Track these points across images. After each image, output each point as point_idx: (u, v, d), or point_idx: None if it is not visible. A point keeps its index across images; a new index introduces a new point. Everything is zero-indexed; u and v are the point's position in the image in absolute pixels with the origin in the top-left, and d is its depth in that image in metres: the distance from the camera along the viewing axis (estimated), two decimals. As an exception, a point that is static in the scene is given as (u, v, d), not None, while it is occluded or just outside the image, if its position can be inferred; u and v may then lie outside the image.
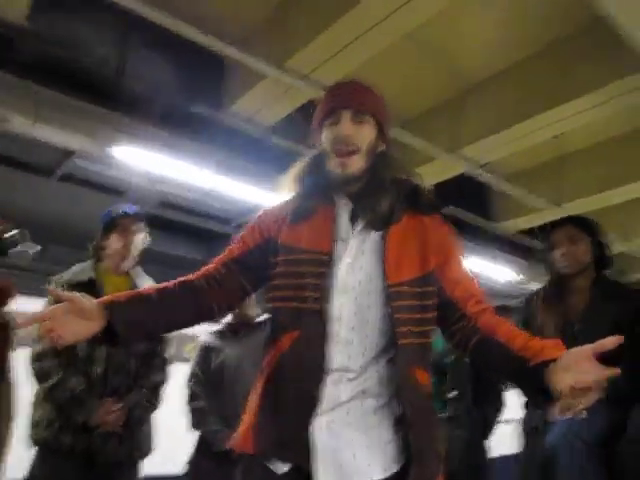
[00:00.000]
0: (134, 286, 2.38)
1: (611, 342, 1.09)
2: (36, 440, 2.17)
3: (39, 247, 1.86)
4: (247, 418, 1.29)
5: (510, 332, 1.24)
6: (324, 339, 1.22)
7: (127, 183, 4.54)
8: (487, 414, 2.54)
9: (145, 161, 3.96)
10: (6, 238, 1.78)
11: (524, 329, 2.19)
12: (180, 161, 3.92)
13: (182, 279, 1.35)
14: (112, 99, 3.75)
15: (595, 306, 2.05)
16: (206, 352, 2.74)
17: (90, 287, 2.27)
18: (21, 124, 3.37)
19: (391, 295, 1.22)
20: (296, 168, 1.40)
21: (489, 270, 6.08)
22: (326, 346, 1.22)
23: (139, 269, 2.49)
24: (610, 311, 1.99)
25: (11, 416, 1.99)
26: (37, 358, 2.20)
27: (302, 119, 4.40)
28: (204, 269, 1.38)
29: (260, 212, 1.43)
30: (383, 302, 1.23)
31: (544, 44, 3.82)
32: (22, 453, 2.12)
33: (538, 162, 5.31)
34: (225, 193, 4.25)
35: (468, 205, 5.73)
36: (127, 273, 2.43)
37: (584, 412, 1.79)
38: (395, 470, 1.19)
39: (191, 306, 1.33)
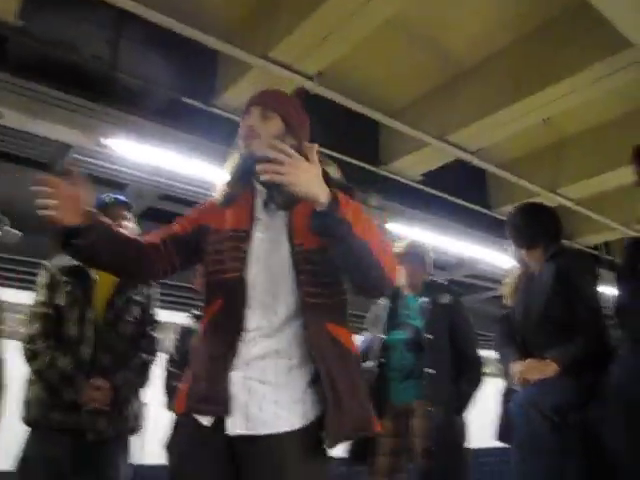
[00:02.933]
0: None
1: None
2: (28, 420, 2.26)
3: (21, 233, 1.94)
4: (182, 384, 1.47)
5: None
6: (242, 303, 1.39)
7: (126, 177, 4.64)
8: (461, 389, 2.58)
9: (141, 154, 4.05)
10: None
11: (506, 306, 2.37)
12: (174, 152, 4.01)
13: (138, 238, 1.55)
14: (106, 94, 3.84)
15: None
16: (183, 334, 2.86)
17: (80, 272, 2.38)
18: (16, 119, 3.49)
19: (297, 260, 1.40)
20: (227, 164, 1.60)
21: (489, 257, 6.12)
22: (243, 309, 1.39)
23: None
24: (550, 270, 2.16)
25: (2, 391, 2.08)
26: (29, 340, 2.30)
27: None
28: (150, 236, 1.56)
29: (202, 204, 1.64)
30: (291, 266, 1.41)
31: (530, 27, 3.86)
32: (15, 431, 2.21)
33: (533, 148, 5.33)
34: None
35: (465, 192, 5.76)
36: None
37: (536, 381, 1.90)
38: (300, 425, 1.31)
39: (132, 258, 1.50)
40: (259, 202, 1.51)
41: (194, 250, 1.54)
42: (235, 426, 1.30)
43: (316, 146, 1.25)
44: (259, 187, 1.52)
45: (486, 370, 2.75)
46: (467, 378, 2.61)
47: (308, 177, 1.20)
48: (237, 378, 1.34)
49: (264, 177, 1.19)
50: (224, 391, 1.33)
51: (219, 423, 1.32)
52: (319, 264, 1.40)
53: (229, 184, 1.55)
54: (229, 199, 1.53)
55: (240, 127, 1.55)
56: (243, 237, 1.45)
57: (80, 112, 3.70)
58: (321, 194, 1.21)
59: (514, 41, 4.00)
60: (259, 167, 1.18)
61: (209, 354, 1.40)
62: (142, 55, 3.95)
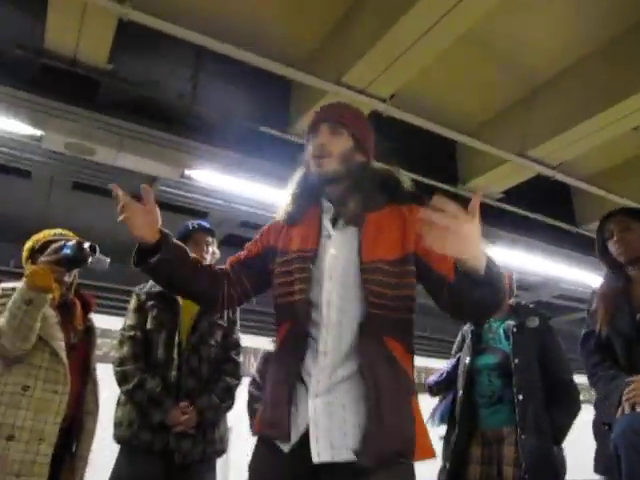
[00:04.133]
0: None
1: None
2: (118, 438, 2.36)
3: (109, 259, 2.04)
4: (261, 408, 1.46)
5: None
6: (306, 326, 1.37)
7: (207, 205, 4.82)
8: (556, 418, 2.40)
9: (221, 183, 4.21)
10: (86, 247, 1.98)
11: (591, 323, 2.16)
12: (252, 180, 4.13)
13: (210, 265, 1.59)
14: (188, 127, 4.04)
15: None
16: (266, 359, 2.87)
17: (167, 297, 2.47)
18: (107, 155, 3.73)
19: (364, 270, 1.36)
20: (289, 184, 1.58)
21: (577, 275, 5.81)
22: (317, 330, 1.36)
23: None
24: None
25: (96, 410, 2.18)
26: (119, 363, 2.41)
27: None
28: (223, 266, 1.58)
29: (266, 225, 1.62)
30: (358, 279, 1.37)
31: (610, 36, 3.67)
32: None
33: (621, 159, 5.04)
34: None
35: (550, 208, 5.52)
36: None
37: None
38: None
39: (207, 283, 1.51)
40: (326, 219, 1.48)
41: (263, 273, 1.53)
42: (319, 454, 1.26)
43: (480, 195, 1.13)
44: (326, 204, 1.50)
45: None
46: (565, 405, 2.44)
47: (474, 244, 1.10)
48: (320, 404, 1.30)
49: (434, 246, 1.07)
50: (284, 416, 1.31)
51: (301, 449, 1.29)
52: (389, 276, 1.36)
53: (293, 202, 1.53)
54: (294, 217, 1.51)
55: (309, 145, 1.52)
56: (310, 257, 1.41)
57: (165, 146, 3.90)
58: (481, 260, 1.14)
59: (593, 51, 3.83)
60: (425, 229, 1.05)
61: (275, 379, 1.41)
62: (220, 88, 4.12)
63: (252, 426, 2.65)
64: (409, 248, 1.38)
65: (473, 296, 1.20)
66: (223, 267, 1.56)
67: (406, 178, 1.50)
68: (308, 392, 1.32)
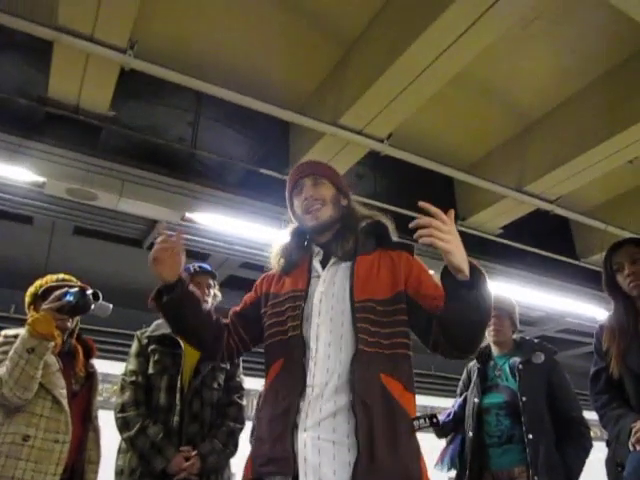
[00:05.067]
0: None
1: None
2: (120, 488, 2.30)
3: (111, 305, 2.04)
4: (253, 445, 1.45)
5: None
6: (301, 360, 1.39)
7: (208, 247, 4.83)
8: (568, 457, 2.35)
9: (222, 225, 4.22)
10: (89, 294, 1.98)
11: (599, 360, 2.12)
12: (252, 222, 4.15)
13: (218, 317, 1.61)
14: (189, 171, 4.09)
15: None
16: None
17: (168, 340, 2.45)
18: (109, 200, 3.76)
19: (357, 309, 1.40)
20: (282, 240, 1.66)
21: (580, 309, 5.77)
22: (306, 364, 1.38)
23: None
24: None
25: (97, 460, 2.14)
26: (121, 409, 2.36)
27: (365, 173, 4.56)
28: (226, 320, 1.63)
29: (260, 277, 1.68)
30: (350, 316, 1.40)
31: (604, 71, 3.76)
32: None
33: (619, 191, 5.09)
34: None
35: (550, 243, 5.54)
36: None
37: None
38: None
39: (213, 334, 1.57)
40: (316, 261, 1.55)
41: (258, 321, 1.57)
42: None
43: (453, 212, 1.28)
44: (316, 249, 1.57)
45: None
46: (576, 443, 2.38)
47: (460, 247, 1.23)
48: (309, 439, 1.29)
49: (424, 240, 1.20)
50: (287, 450, 1.28)
51: None
52: (380, 315, 1.40)
53: (286, 254, 1.60)
54: (291, 266, 1.57)
55: (296, 202, 1.61)
56: (301, 296, 1.47)
57: (165, 190, 3.94)
58: (465, 265, 1.24)
59: (587, 86, 3.91)
60: (422, 231, 1.21)
61: (270, 415, 1.38)
62: (220, 132, 4.20)
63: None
64: (399, 287, 1.45)
65: (463, 314, 1.26)
66: (226, 320, 1.62)
67: (391, 224, 1.59)
68: (298, 426, 1.31)
